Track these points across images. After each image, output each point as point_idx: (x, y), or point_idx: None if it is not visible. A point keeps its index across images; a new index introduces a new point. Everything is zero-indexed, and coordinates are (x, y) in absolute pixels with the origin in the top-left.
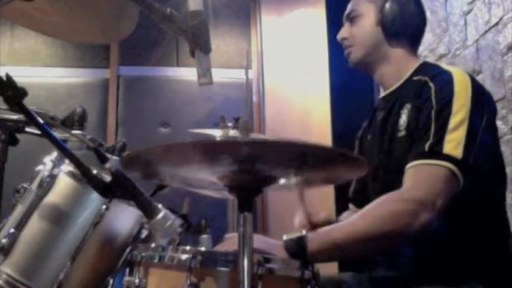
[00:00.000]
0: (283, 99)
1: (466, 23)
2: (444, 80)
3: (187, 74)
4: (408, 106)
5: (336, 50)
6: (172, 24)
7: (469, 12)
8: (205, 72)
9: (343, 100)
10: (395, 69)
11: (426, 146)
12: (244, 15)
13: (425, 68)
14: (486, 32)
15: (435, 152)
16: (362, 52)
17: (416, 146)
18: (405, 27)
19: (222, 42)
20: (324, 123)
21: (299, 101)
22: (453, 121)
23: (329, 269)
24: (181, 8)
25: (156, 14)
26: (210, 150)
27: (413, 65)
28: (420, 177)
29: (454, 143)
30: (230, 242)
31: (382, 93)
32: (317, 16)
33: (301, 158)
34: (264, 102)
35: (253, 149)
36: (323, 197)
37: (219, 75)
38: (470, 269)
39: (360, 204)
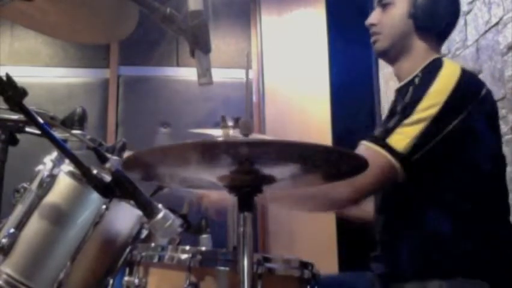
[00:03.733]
0: (283, 99)
1: (466, 23)
2: (427, 78)
3: (187, 74)
4: None
5: (336, 50)
6: (172, 24)
7: (469, 12)
8: (205, 72)
9: (343, 100)
10: (412, 63)
11: (378, 131)
12: (244, 15)
13: (433, 63)
14: (486, 32)
15: (380, 139)
16: (388, 42)
17: (376, 129)
18: (437, 23)
19: (222, 42)
20: (324, 123)
21: (299, 101)
22: (413, 118)
23: (329, 269)
24: (181, 8)
25: (156, 14)
26: (210, 151)
27: (428, 60)
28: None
29: (402, 136)
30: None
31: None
32: (317, 16)
33: (301, 157)
34: (264, 102)
35: (253, 149)
36: None
37: (219, 75)
38: (473, 265)
39: None
